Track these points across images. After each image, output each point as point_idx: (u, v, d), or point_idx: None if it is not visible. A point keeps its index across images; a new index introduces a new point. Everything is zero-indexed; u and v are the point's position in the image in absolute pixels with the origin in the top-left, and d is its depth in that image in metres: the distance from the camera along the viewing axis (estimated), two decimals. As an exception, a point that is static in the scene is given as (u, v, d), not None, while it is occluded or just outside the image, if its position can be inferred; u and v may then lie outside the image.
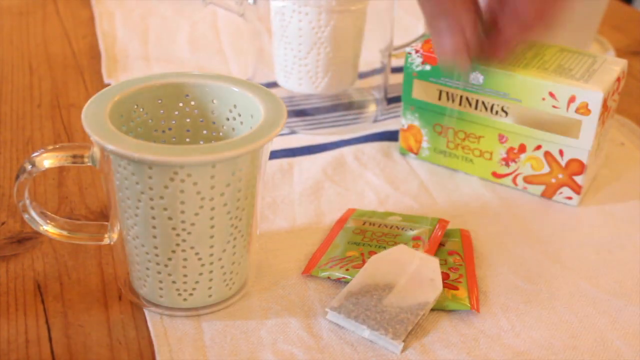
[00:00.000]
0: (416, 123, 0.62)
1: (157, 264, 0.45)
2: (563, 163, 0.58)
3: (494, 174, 0.61)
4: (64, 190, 0.59)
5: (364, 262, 0.50)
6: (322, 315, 0.47)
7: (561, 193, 0.59)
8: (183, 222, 0.43)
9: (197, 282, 0.46)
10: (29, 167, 0.45)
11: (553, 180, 0.59)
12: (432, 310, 0.48)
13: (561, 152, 0.57)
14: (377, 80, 0.70)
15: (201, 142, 0.50)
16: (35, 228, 0.48)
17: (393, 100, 0.72)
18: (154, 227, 0.43)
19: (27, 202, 0.47)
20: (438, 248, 0.53)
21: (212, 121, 0.49)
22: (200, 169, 0.41)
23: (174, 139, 0.50)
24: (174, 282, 0.46)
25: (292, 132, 0.67)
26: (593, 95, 0.55)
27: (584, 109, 0.55)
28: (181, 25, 0.87)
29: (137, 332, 0.46)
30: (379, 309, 0.46)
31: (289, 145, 0.65)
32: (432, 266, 0.48)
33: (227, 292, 0.48)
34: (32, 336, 0.46)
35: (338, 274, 0.49)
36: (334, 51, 0.64)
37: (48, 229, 0.48)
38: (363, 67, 0.68)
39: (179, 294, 0.46)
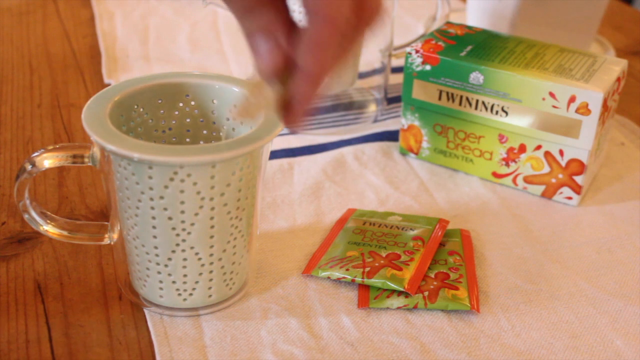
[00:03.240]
0: (416, 123, 0.62)
1: (157, 264, 0.45)
2: (563, 163, 0.58)
3: (494, 174, 0.61)
4: (64, 190, 0.59)
5: (364, 262, 0.50)
6: (322, 315, 0.47)
7: (561, 193, 0.59)
8: (183, 222, 0.43)
9: (197, 282, 0.46)
10: (29, 167, 0.45)
11: (553, 180, 0.59)
12: (432, 310, 0.48)
13: (561, 152, 0.57)
14: (377, 80, 0.70)
15: (201, 142, 0.50)
16: (35, 228, 0.48)
17: (393, 100, 0.72)
18: (154, 227, 0.43)
19: (27, 202, 0.47)
20: (438, 248, 0.53)
21: (212, 121, 0.49)
22: (200, 169, 0.41)
23: (174, 139, 0.50)
24: (174, 282, 0.46)
25: (292, 132, 0.67)
26: (593, 95, 0.55)
27: (584, 109, 0.55)
28: (181, 25, 0.87)
29: (137, 332, 0.46)
30: None
31: (289, 145, 0.65)
32: None
33: (227, 292, 0.48)
34: (32, 336, 0.46)
35: (338, 274, 0.49)
36: (334, 51, 0.63)
37: (48, 229, 0.48)
38: (363, 67, 0.68)
39: (179, 294, 0.46)
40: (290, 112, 0.42)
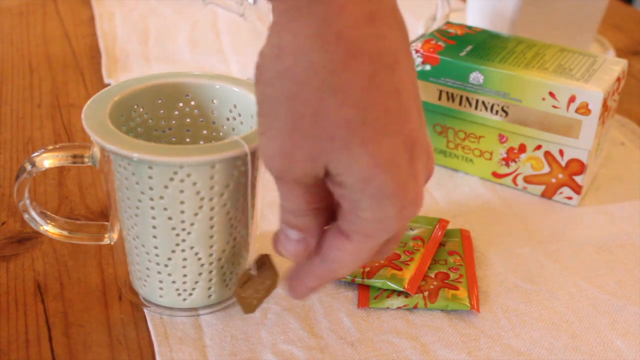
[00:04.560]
0: (416, 123, 0.62)
1: (157, 264, 0.45)
2: (563, 163, 0.58)
3: (494, 174, 0.61)
4: (64, 190, 0.59)
5: (364, 262, 0.50)
6: (322, 315, 0.47)
7: (561, 193, 0.59)
8: (183, 222, 0.43)
9: (197, 282, 0.46)
10: (29, 167, 0.45)
11: (553, 180, 0.59)
12: (432, 310, 0.48)
13: (561, 152, 0.57)
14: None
15: (201, 142, 0.50)
16: (35, 228, 0.48)
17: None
18: (154, 227, 0.43)
19: (27, 202, 0.47)
20: (438, 248, 0.53)
21: (212, 121, 0.49)
22: (200, 169, 0.41)
23: (174, 139, 0.50)
24: (174, 282, 0.46)
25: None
26: (593, 95, 0.55)
27: (584, 109, 0.55)
28: (181, 25, 0.87)
29: (137, 332, 0.46)
30: None
31: (289, 145, 0.65)
32: None
33: (227, 292, 0.48)
34: (32, 336, 0.46)
35: (338, 274, 0.49)
36: (334, 51, 0.63)
37: (48, 229, 0.48)
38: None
39: (179, 294, 0.46)
40: (297, 283, 0.42)
